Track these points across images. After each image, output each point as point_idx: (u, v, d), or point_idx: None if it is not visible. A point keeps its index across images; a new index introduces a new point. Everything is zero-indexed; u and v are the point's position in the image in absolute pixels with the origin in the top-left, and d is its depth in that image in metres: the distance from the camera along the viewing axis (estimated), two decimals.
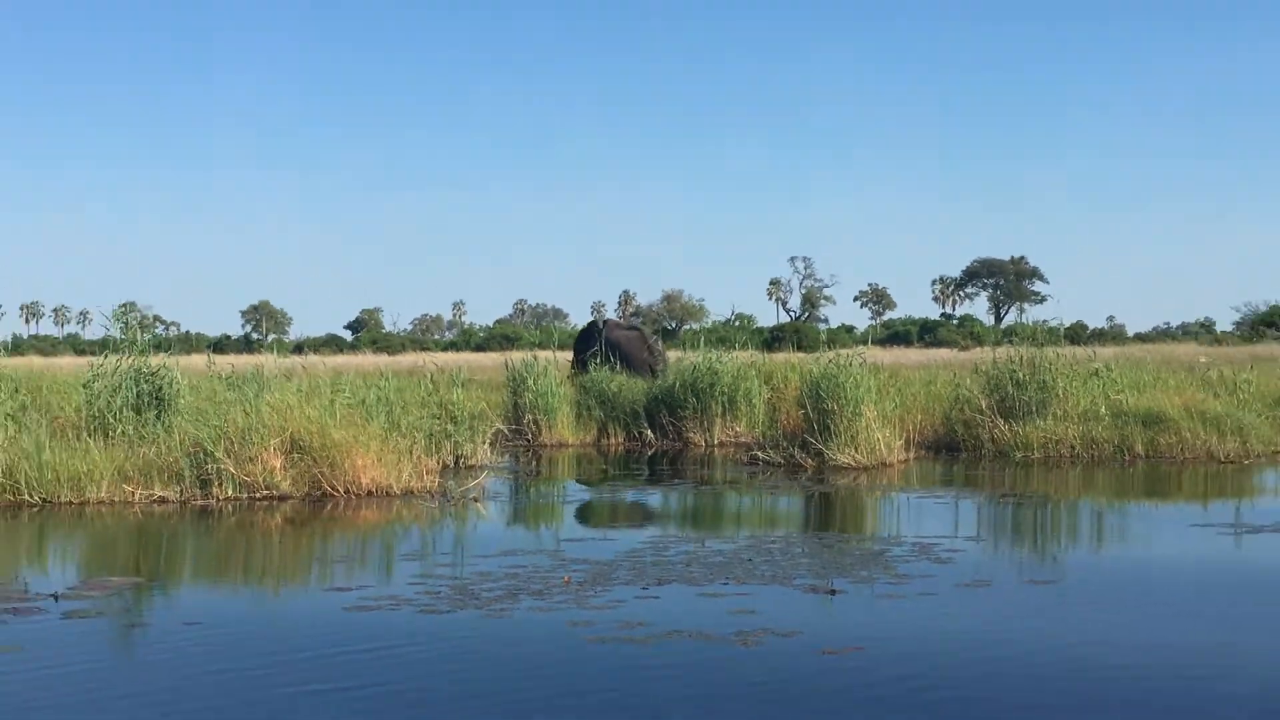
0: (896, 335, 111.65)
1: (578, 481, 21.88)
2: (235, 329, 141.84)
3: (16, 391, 20.10)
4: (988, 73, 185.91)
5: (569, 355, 36.57)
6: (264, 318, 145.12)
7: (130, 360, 20.54)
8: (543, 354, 30.75)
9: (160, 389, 20.30)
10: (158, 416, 19.68)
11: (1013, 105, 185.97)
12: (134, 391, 20.01)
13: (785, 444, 23.66)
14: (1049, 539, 15.13)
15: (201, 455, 17.79)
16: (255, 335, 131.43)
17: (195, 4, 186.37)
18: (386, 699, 7.81)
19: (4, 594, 11.11)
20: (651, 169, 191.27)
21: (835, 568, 12.35)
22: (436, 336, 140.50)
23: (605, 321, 37.89)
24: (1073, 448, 23.72)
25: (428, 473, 19.36)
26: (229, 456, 17.74)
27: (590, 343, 35.23)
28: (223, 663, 8.74)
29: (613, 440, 28.54)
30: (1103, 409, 24.67)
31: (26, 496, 17.15)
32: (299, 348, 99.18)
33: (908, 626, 9.78)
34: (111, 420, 19.46)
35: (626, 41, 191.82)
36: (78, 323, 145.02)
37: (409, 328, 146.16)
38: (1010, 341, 27.40)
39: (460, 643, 9.28)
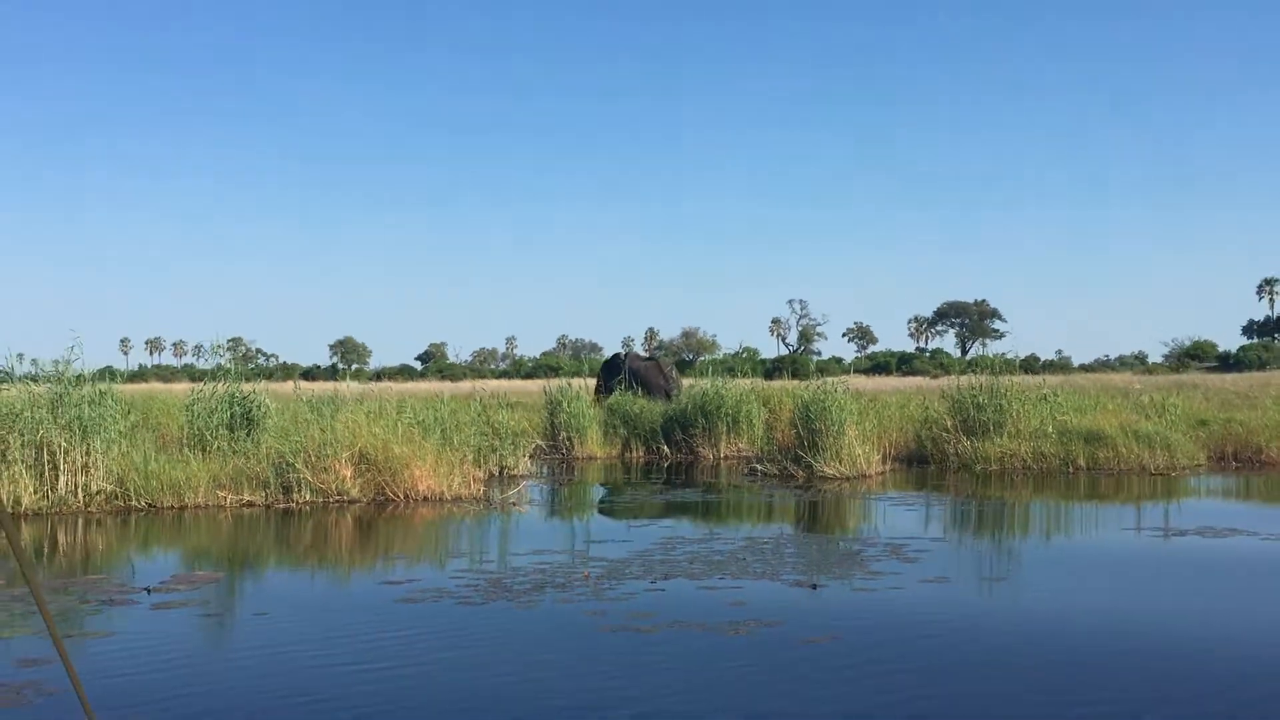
0: (878, 365, 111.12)
1: (603, 489, 21.62)
2: (324, 360, 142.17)
3: (129, 412, 19.93)
4: (954, 141, 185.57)
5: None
6: (348, 350, 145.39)
7: (225, 386, 20.43)
8: (576, 381, 30.55)
9: (250, 410, 20.16)
10: (248, 433, 19.55)
11: (976, 170, 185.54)
12: (228, 413, 19.87)
13: (780, 457, 23.49)
14: (1003, 541, 14.77)
15: (284, 466, 17.65)
16: (340, 365, 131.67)
17: (292, 64, 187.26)
18: (420, 677, 7.54)
19: (105, 587, 10.92)
20: (675, 225, 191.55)
21: (818, 565, 12.06)
22: (492, 366, 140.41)
23: (627, 354, 37.67)
24: (1024, 461, 23.36)
25: (475, 481, 19.23)
26: (307, 467, 17.62)
27: (614, 372, 35.11)
28: (280, 647, 8.51)
29: (635, 454, 28.31)
30: (1050, 428, 24.32)
31: (135, 502, 17.00)
32: (377, 376, 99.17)
33: (878, 618, 9.46)
34: (209, 437, 19.33)
35: (657, 124, 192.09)
36: (193, 354, 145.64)
37: (469, 359, 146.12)
38: (974, 371, 27.04)
39: (489, 629, 9.01)
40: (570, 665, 7.93)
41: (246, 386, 20.80)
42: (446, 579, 11.19)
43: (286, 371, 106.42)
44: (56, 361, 18.77)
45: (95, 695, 7.14)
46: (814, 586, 10.83)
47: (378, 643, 8.57)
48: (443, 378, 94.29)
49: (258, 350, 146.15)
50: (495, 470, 22.24)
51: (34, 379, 18.86)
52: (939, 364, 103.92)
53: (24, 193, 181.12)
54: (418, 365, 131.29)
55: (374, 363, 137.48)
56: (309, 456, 17.75)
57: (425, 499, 17.95)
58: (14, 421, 17.06)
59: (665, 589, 10.68)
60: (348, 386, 24.37)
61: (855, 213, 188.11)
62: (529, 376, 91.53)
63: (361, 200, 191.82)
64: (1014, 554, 13.50)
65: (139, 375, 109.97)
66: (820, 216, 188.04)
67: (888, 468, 23.59)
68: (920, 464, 24.86)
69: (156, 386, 63.97)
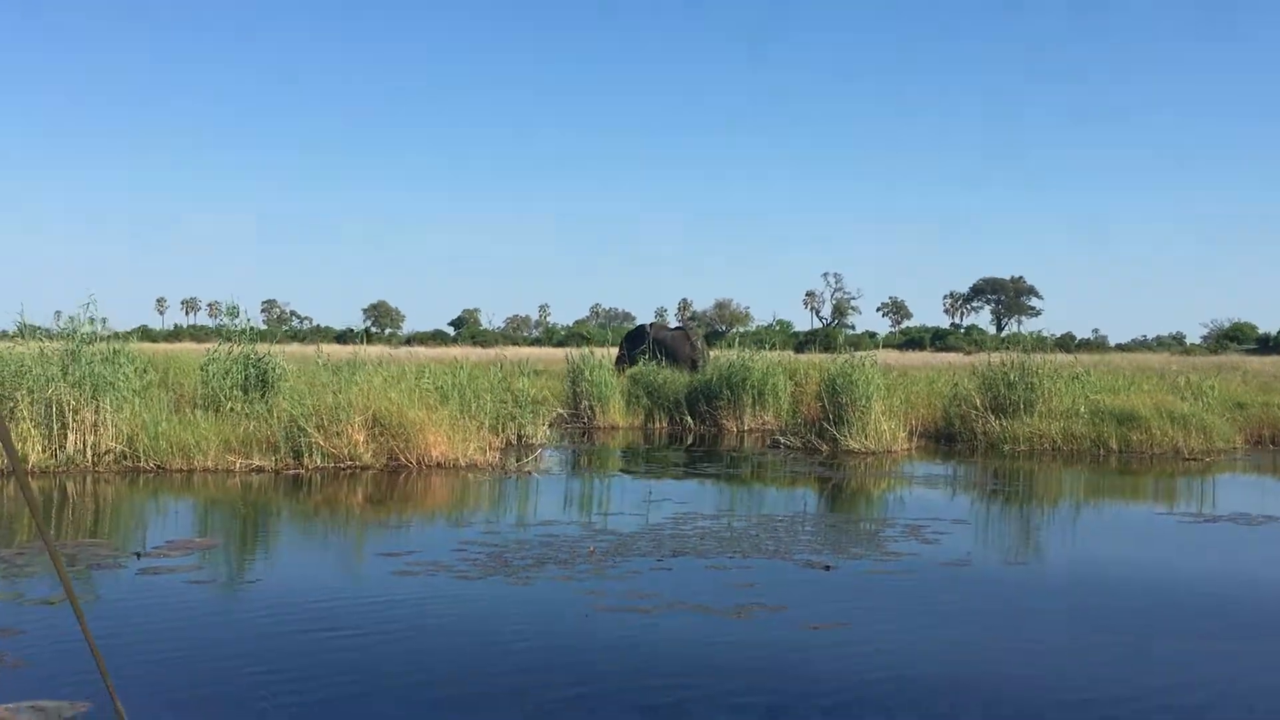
0: (912, 341, 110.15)
1: (622, 460, 21.24)
2: (358, 324, 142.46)
3: (145, 371, 19.67)
4: (993, 120, 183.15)
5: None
6: (381, 315, 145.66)
7: (240, 348, 20.14)
8: (600, 350, 30.13)
9: (265, 372, 19.86)
10: (262, 396, 19.25)
11: (1013, 144, 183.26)
12: (242, 374, 19.59)
13: (805, 431, 23.06)
14: (1028, 524, 14.27)
15: (295, 430, 17.31)
16: (373, 329, 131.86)
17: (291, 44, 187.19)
18: (391, 654, 7.15)
19: (97, 550, 10.59)
20: (711, 196, 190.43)
21: (833, 545, 11.61)
22: (525, 334, 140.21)
23: (651, 324, 37.27)
24: (1054, 442, 22.74)
25: (491, 448, 18.91)
26: (319, 431, 17.27)
27: (638, 342, 34.77)
28: (256, 617, 8.20)
29: (657, 425, 27.89)
30: (1082, 408, 23.68)
31: (143, 463, 16.73)
32: (408, 341, 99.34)
33: (889, 603, 9.01)
34: (222, 398, 19.04)
35: (690, 98, 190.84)
36: (226, 315, 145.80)
37: (502, 326, 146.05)
38: (1007, 349, 26.41)
39: (477, 606, 8.63)
40: (553, 647, 7.52)
41: (261, 348, 20.50)
42: (447, 551, 10.80)
43: (320, 335, 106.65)
44: (71, 318, 18.49)
45: (53, 660, 6.80)
46: (827, 568, 10.40)
47: (359, 617, 8.22)
48: (475, 344, 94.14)
49: (292, 313, 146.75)
50: (513, 438, 21.89)
51: (47, 335, 18.63)
52: (973, 341, 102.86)
53: (58, 151, 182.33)
54: (450, 331, 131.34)
55: (407, 328, 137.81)
56: (321, 420, 17.41)
57: (439, 465, 17.61)
58: (23, 378, 16.80)
59: (672, 567, 10.28)
60: (366, 350, 24.02)
61: (893, 187, 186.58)
62: (560, 345, 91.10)
63: (398, 164, 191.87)
64: (1038, 538, 13.01)
65: (174, 335, 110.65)
66: (858, 190, 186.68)
67: (914, 444, 23.04)
68: (947, 442, 24.31)
69: (189, 346, 64.04)
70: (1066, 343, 75.57)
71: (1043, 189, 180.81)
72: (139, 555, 10.34)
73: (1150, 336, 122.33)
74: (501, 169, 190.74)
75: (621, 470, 19.42)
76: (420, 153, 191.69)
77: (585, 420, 27.61)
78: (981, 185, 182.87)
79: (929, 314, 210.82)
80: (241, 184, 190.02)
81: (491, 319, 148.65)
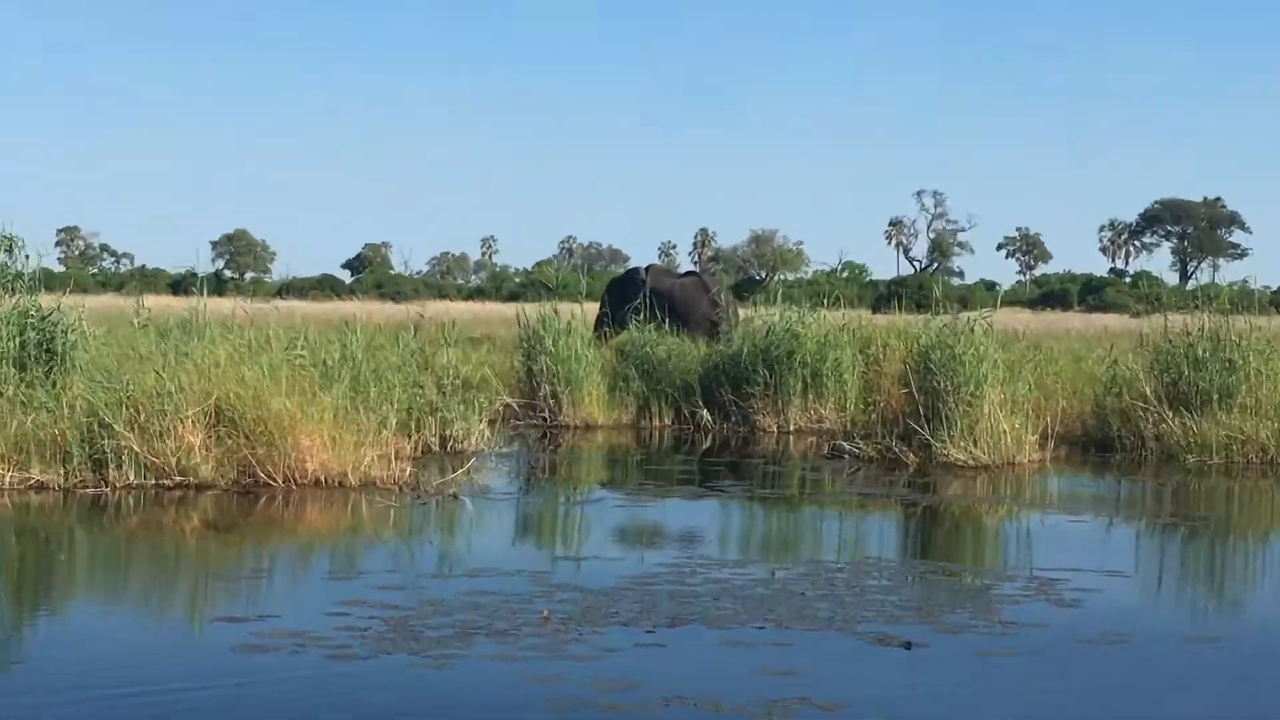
0: (1051, 295, 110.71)
1: (600, 475, 21.35)
2: (203, 265, 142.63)
3: None
4: None
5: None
6: (240, 251, 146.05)
7: (17, 300, 20.02)
8: (571, 307, 30.03)
9: (53, 339, 19.78)
10: (47, 375, 19.17)
11: (1207, 8, 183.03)
12: (16, 341, 19.48)
13: (882, 433, 23.00)
14: (1222, 577, 14.32)
15: (97, 428, 17.28)
16: (228, 274, 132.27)
17: None
18: None
19: None
20: (740, 76, 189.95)
21: (918, 609, 11.71)
22: (459, 281, 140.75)
23: (650, 268, 37.20)
24: (1264, 451, 22.71)
25: (399, 459, 18.88)
26: (133, 430, 17.24)
27: (630, 295, 34.56)
28: (28, 714, 8.24)
29: (656, 421, 27.93)
30: None
31: None
32: (280, 291, 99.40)
33: (999, 702, 9.06)
34: None
35: None
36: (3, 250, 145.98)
37: (424, 269, 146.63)
38: (1194, 307, 26.38)
39: (367, 703, 8.67)
40: None
41: (49, 300, 20.43)
42: (322, 615, 10.85)
43: (146, 281, 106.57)
44: None
45: None
46: (908, 645, 10.46)
47: (181, 713, 8.29)
48: (381, 296, 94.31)
49: (102, 247, 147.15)
50: (433, 442, 21.90)
51: None
52: (1144, 295, 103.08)
53: None
54: (345, 277, 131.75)
55: (278, 271, 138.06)
56: (137, 414, 17.39)
57: (317, 484, 17.65)
58: None
59: (667, 643, 10.34)
60: (211, 305, 23.96)
61: (1020, 69, 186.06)
62: (511, 298, 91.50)
63: (261, 48, 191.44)
64: (1239, 600, 13.08)
65: None
66: (968, 66, 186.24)
67: (1048, 454, 23.03)
68: (1100, 450, 24.38)
69: None
70: None
71: (1252, 68, 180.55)
72: None
73: None
74: (423, 28, 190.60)
75: (599, 490, 19.60)
76: (299, 9, 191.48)
77: (546, 415, 27.64)
78: (1156, 62, 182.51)
79: (1078, 255, 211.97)
80: (28, 58, 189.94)
81: (407, 259, 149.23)
